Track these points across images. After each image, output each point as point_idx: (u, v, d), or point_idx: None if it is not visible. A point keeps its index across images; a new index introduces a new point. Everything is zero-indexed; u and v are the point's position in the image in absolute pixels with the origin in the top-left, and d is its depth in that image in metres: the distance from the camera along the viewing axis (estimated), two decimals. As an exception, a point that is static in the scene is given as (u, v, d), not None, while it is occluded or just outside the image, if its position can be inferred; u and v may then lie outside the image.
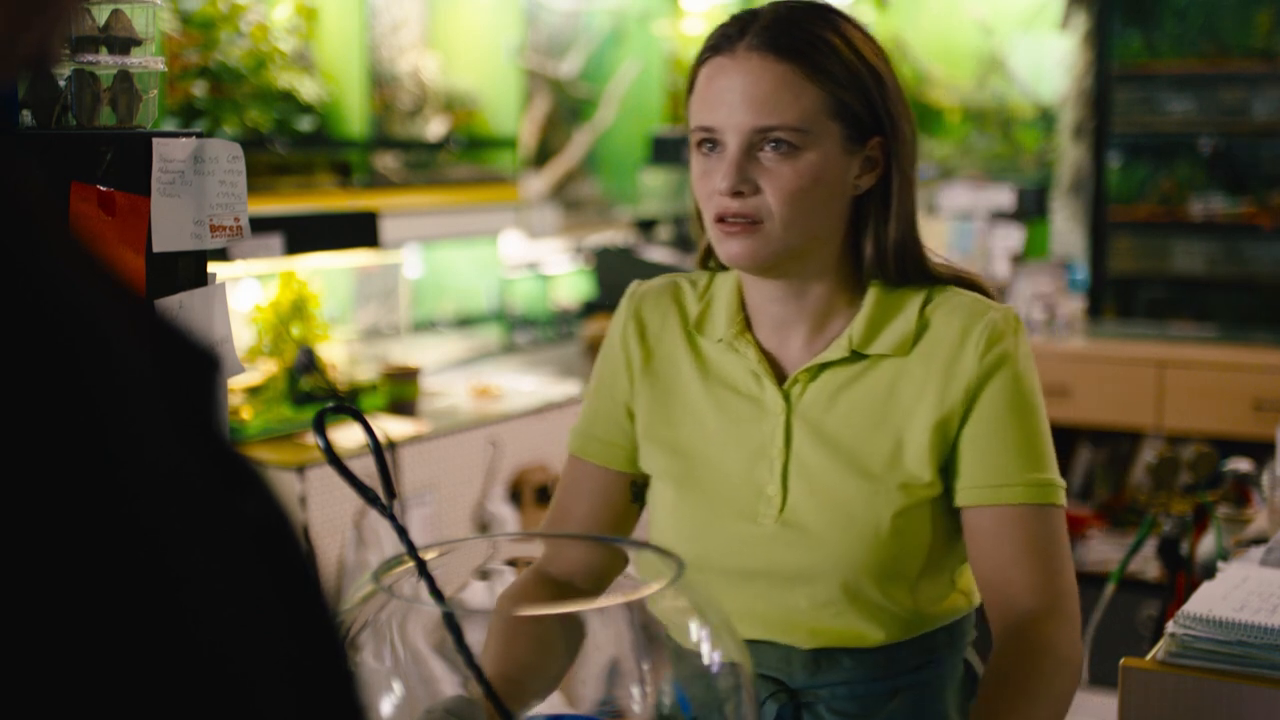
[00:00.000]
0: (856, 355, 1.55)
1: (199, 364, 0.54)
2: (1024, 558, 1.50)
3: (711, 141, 1.51)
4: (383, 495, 1.21)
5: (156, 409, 0.49)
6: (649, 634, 1.17)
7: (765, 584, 1.54)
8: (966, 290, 1.59)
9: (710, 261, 1.68)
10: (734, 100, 1.49)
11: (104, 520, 0.45)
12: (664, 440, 1.62)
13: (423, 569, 1.16)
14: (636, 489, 1.69)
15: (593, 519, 1.68)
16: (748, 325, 1.61)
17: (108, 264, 0.52)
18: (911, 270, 1.58)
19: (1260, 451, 3.15)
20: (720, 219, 1.50)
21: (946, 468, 1.54)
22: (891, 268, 1.57)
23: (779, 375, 1.59)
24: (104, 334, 0.48)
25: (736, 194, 1.48)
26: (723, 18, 1.58)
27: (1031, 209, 6.13)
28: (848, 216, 1.56)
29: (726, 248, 1.51)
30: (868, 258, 1.57)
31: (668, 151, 5.80)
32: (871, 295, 1.57)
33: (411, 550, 1.17)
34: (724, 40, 1.52)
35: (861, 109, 1.51)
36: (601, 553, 1.62)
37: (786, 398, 1.56)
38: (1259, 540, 2.29)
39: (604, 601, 1.15)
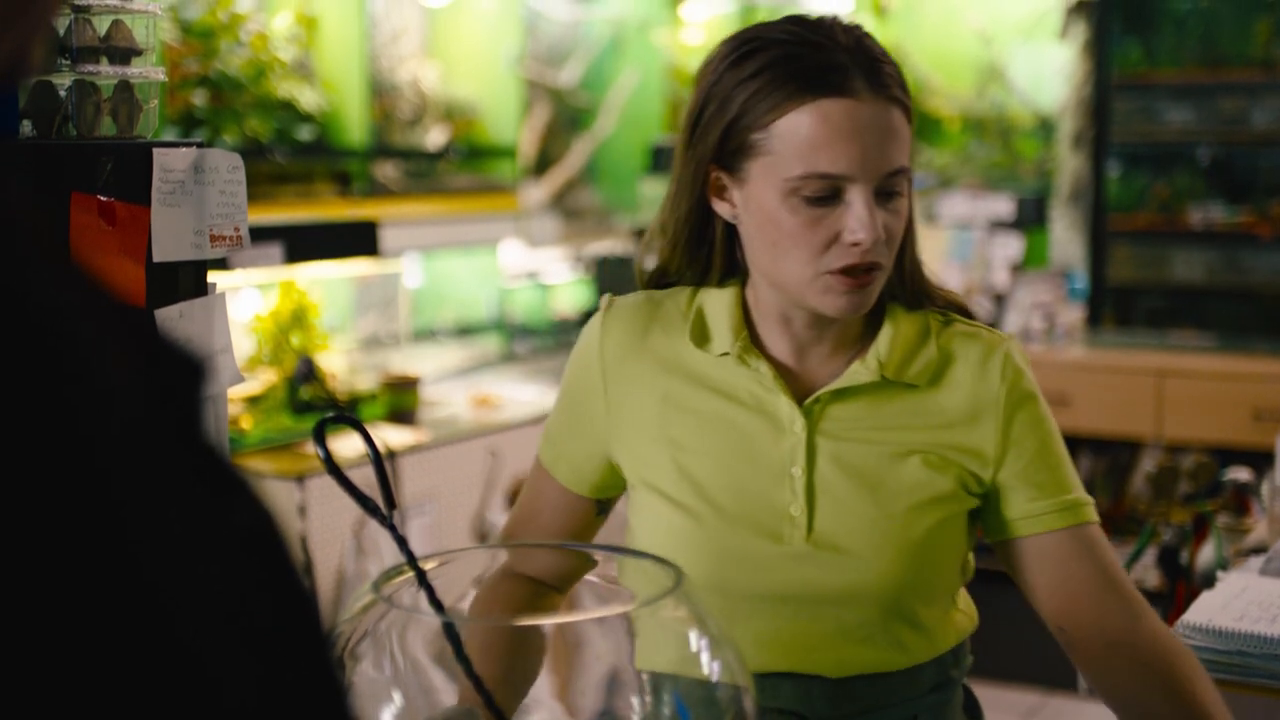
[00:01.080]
0: (885, 381, 1.51)
1: (186, 372, 0.54)
2: (1101, 576, 1.49)
3: (828, 188, 1.42)
4: (382, 505, 1.21)
5: (141, 417, 0.49)
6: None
7: (793, 608, 1.49)
8: (963, 316, 1.58)
9: (683, 278, 1.60)
10: (870, 146, 1.41)
11: (87, 526, 0.45)
12: (666, 463, 1.54)
13: (422, 579, 1.16)
14: (601, 506, 1.66)
15: (560, 530, 1.65)
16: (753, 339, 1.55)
17: (93, 273, 0.53)
18: (920, 291, 1.56)
19: (1260, 461, 3.15)
20: (847, 271, 1.43)
21: (984, 497, 1.52)
22: (908, 289, 1.55)
23: (794, 392, 1.52)
24: (87, 343, 0.48)
25: (875, 244, 1.42)
26: (722, 30, 1.54)
27: (1031, 218, 6.14)
28: None
29: (845, 300, 1.45)
30: (890, 279, 1.52)
31: (667, 160, 5.80)
32: (892, 318, 1.53)
33: (411, 560, 1.17)
34: (827, 80, 1.41)
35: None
36: (570, 555, 1.61)
37: (808, 415, 1.51)
38: (1258, 550, 2.29)
39: (604, 611, 1.15)
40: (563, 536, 1.65)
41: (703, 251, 1.57)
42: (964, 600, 1.61)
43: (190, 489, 0.51)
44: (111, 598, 0.45)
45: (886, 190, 1.43)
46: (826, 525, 1.48)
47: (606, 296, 1.63)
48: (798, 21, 1.47)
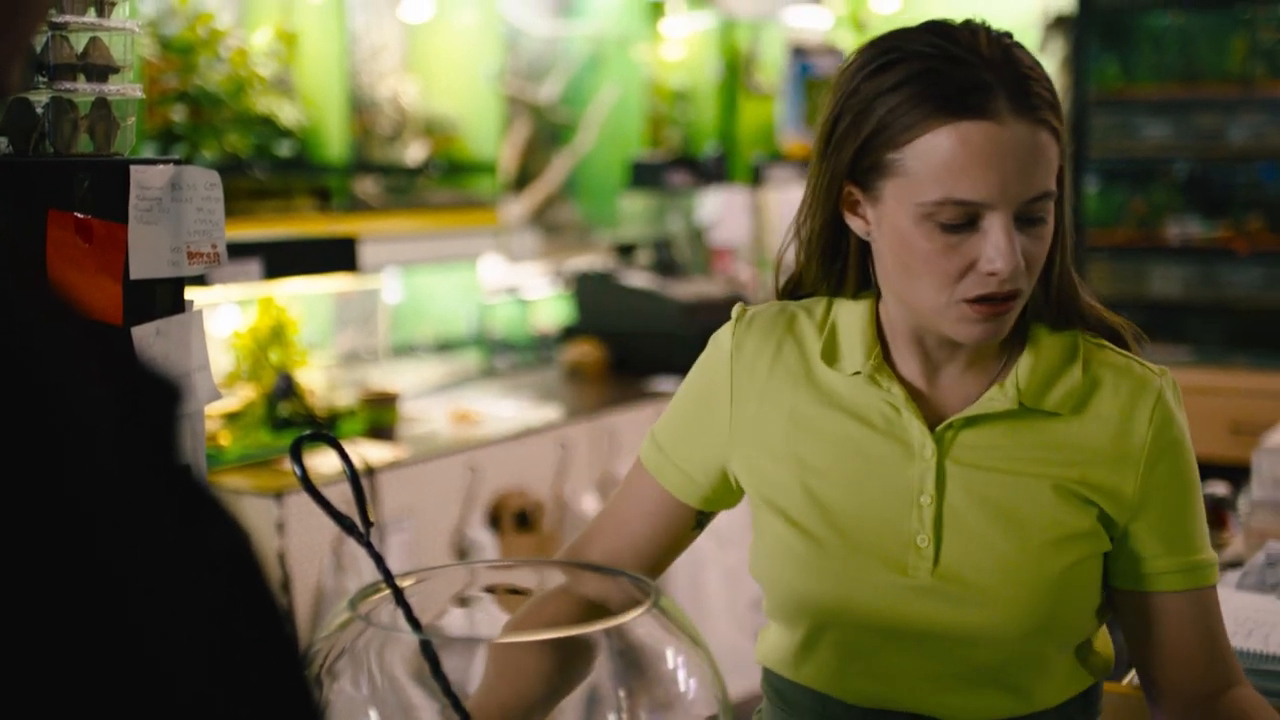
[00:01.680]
0: (1023, 408, 1.43)
1: (161, 393, 0.54)
2: (1208, 641, 1.45)
3: (965, 214, 1.34)
4: (359, 523, 1.20)
5: (114, 439, 0.49)
6: (627, 661, 1.17)
7: (914, 644, 1.42)
8: (1119, 346, 1.49)
9: (818, 290, 1.55)
10: (1011, 173, 1.32)
11: (59, 549, 0.45)
12: (794, 484, 1.48)
13: (399, 597, 1.16)
14: (701, 518, 1.59)
15: (647, 538, 1.57)
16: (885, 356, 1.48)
17: (68, 294, 0.53)
18: (1070, 311, 1.47)
19: (1237, 475, 3.16)
20: (984, 300, 1.36)
21: (1116, 544, 1.45)
22: (1055, 307, 1.46)
23: (926, 415, 1.45)
24: (61, 364, 0.48)
25: (1015, 273, 1.34)
26: (864, 41, 1.37)
27: (1009, 233, 6.15)
28: None
29: (980, 329, 1.37)
30: (1035, 297, 1.45)
31: (647, 176, 5.81)
32: (1034, 339, 1.45)
33: (388, 578, 1.17)
34: (973, 104, 1.32)
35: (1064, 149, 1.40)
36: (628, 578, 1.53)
37: (939, 441, 1.43)
38: (1235, 564, 2.29)
39: (579, 629, 1.15)
40: (652, 545, 1.57)
41: (837, 265, 1.51)
42: (1101, 641, 1.52)
43: (163, 510, 0.51)
44: (83, 618, 0.45)
45: (1028, 216, 1.35)
46: (954, 558, 1.41)
47: (739, 305, 1.58)
48: (940, 32, 1.37)
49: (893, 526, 1.43)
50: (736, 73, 6.62)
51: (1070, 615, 1.42)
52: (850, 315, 1.49)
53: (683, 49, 6.46)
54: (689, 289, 5.11)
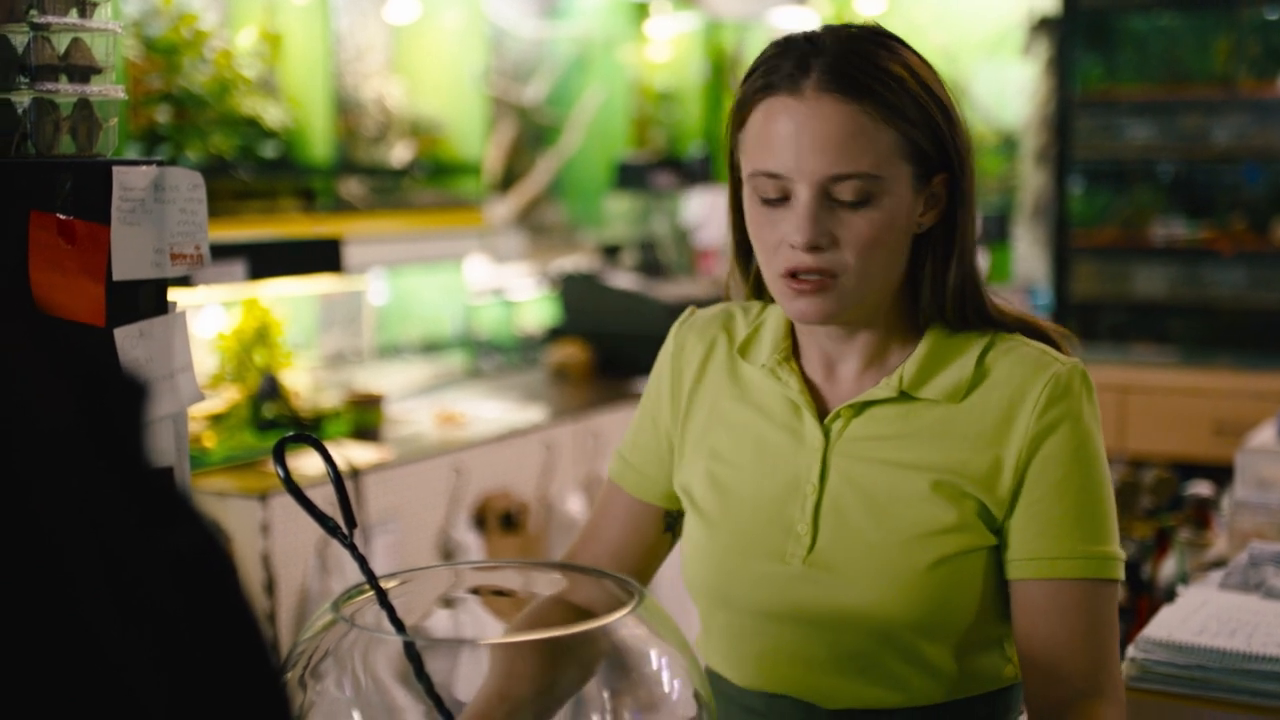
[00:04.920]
0: (905, 396, 1.45)
1: (127, 396, 0.54)
2: (1076, 637, 1.40)
3: (777, 188, 1.39)
4: (343, 525, 1.20)
5: (73, 443, 0.49)
6: (611, 663, 1.17)
7: (789, 629, 1.45)
8: (1032, 339, 1.48)
9: (764, 293, 1.57)
10: (805, 146, 1.36)
11: (7, 548, 0.45)
12: (702, 472, 1.54)
13: (383, 599, 1.16)
14: (670, 519, 1.63)
15: (622, 545, 1.62)
16: (794, 353, 1.52)
17: (35, 295, 0.53)
18: (972, 314, 1.48)
19: (1220, 475, 3.17)
20: (792, 274, 1.39)
21: (999, 533, 1.43)
22: (951, 311, 1.47)
23: (821, 409, 1.49)
24: (13, 365, 0.48)
25: (813, 248, 1.38)
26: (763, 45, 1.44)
27: (994, 234, 6.17)
28: (908, 256, 1.46)
29: (797, 305, 1.40)
30: (925, 300, 1.47)
31: (632, 177, 5.81)
32: (929, 338, 1.47)
33: (371, 579, 1.17)
34: (785, 78, 1.39)
35: (930, 146, 1.40)
36: (619, 586, 1.51)
37: (826, 433, 1.47)
38: (1219, 563, 2.30)
39: (562, 630, 1.15)
40: (627, 552, 1.62)
41: (752, 266, 1.55)
42: (1014, 648, 1.48)
43: (123, 511, 0.51)
44: (35, 619, 0.45)
45: (841, 196, 1.37)
46: (827, 545, 1.44)
47: (690, 308, 1.65)
48: (805, 31, 1.45)
49: (779, 515, 1.48)
50: (722, 74, 6.63)
51: (943, 609, 1.41)
52: (776, 313, 1.56)
53: (668, 50, 6.46)
54: (674, 290, 5.11)
